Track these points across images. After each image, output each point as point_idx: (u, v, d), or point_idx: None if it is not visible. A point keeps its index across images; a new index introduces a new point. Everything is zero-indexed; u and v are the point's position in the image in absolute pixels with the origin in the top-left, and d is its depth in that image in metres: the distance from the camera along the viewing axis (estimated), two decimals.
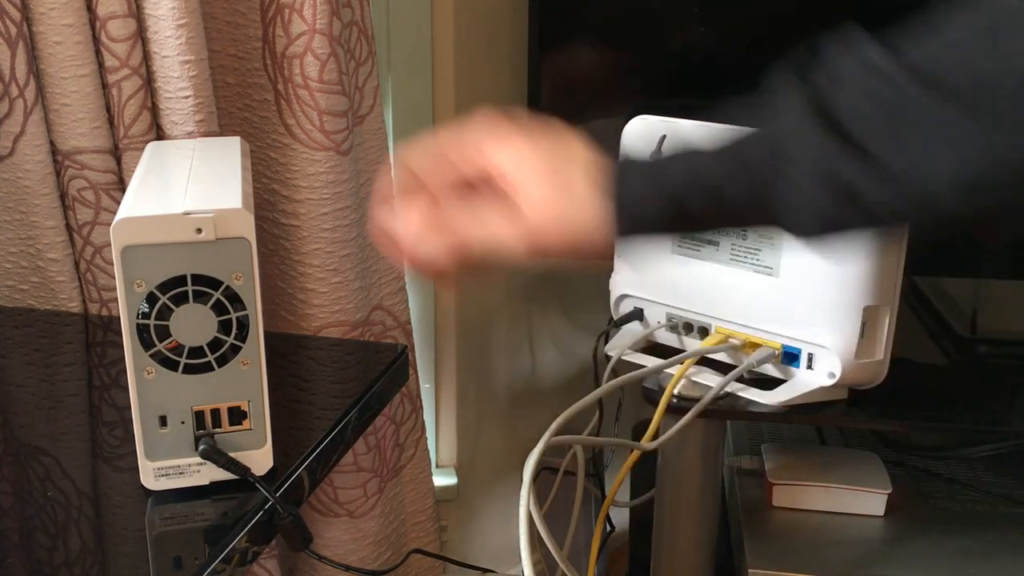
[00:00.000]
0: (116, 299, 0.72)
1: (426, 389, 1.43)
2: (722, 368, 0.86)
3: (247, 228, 0.60)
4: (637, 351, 0.91)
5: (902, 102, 0.50)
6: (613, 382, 0.85)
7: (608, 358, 0.92)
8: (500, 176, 0.61)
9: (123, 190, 0.97)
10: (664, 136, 0.86)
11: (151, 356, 0.61)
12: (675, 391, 0.84)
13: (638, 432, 0.97)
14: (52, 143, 0.93)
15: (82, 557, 0.61)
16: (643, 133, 0.88)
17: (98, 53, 0.93)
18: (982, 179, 0.49)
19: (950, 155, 0.49)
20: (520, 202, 0.60)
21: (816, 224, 0.54)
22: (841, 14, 1.06)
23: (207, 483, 0.65)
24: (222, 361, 0.62)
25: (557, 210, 0.60)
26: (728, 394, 0.84)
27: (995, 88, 0.48)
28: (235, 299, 0.61)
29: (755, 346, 0.84)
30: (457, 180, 0.63)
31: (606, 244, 0.60)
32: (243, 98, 1.05)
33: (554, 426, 0.77)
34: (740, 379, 0.84)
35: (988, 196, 0.50)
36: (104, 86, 0.94)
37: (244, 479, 0.64)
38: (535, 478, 0.71)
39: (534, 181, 0.60)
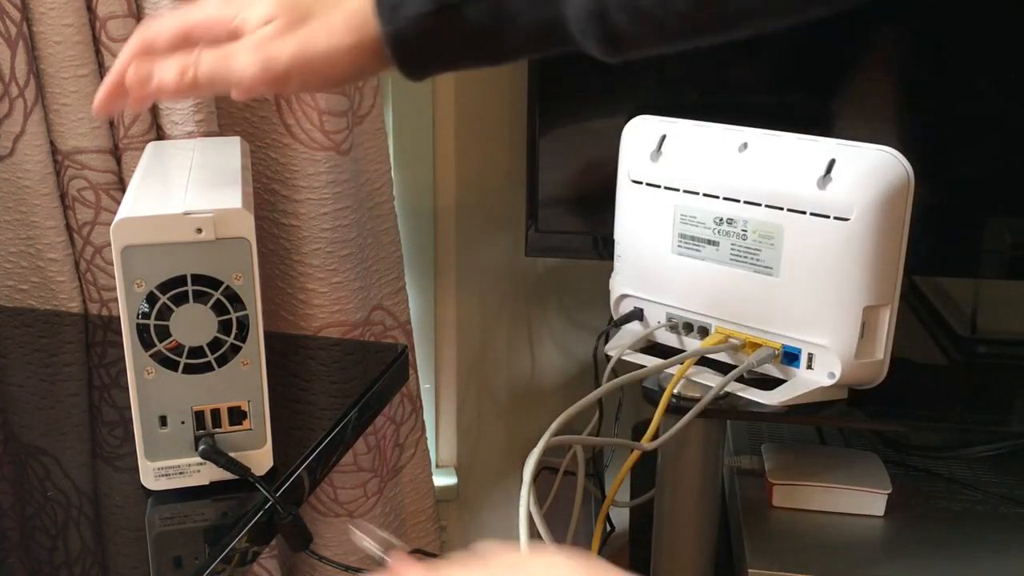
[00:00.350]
0: (116, 299, 0.72)
1: (426, 389, 1.43)
2: (722, 368, 0.86)
3: (247, 228, 0.60)
4: (637, 351, 0.91)
5: None
6: (613, 382, 0.85)
7: (608, 358, 0.92)
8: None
9: (123, 190, 0.97)
10: (664, 136, 0.86)
11: (151, 356, 0.61)
12: (675, 391, 0.84)
13: (638, 432, 0.97)
14: (52, 143, 0.93)
15: (82, 557, 0.61)
16: (643, 132, 0.88)
17: (98, 53, 0.93)
18: None
19: None
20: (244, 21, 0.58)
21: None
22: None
23: (207, 483, 0.65)
24: (222, 361, 0.62)
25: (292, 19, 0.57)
26: (728, 394, 0.84)
27: None
28: (235, 299, 0.61)
29: (755, 346, 0.84)
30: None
31: (366, 56, 0.58)
32: None
33: (554, 426, 0.77)
34: (740, 379, 0.84)
35: None
36: None
37: (244, 479, 0.64)
38: (535, 478, 0.71)
39: None
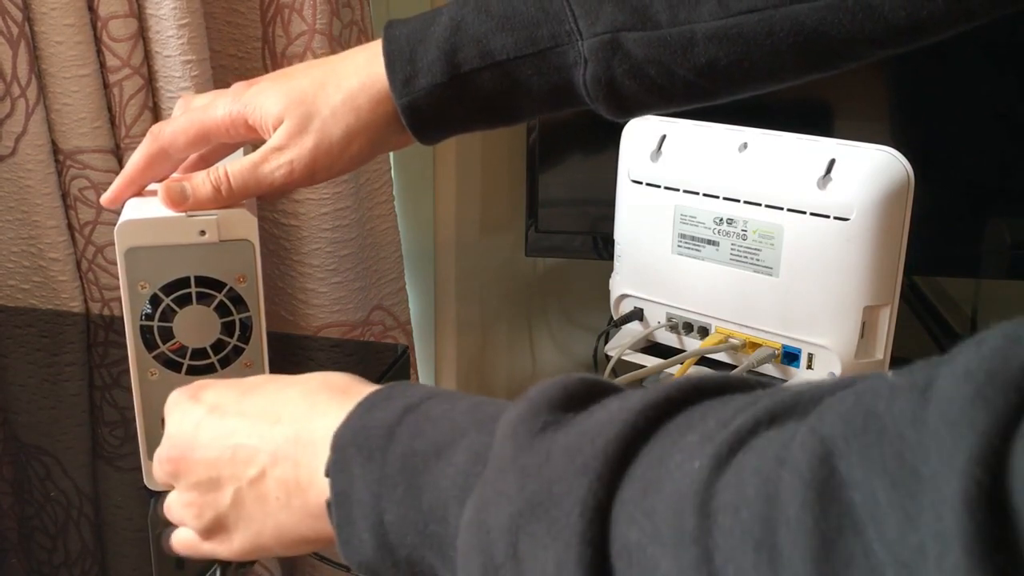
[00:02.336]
0: (118, 299, 0.72)
1: None
2: (722, 368, 0.86)
3: (250, 230, 0.60)
4: (637, 351, 0.91)
5: None
6: (614, 381, 0.85)
7: (608, 358, 0.92)
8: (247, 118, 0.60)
9: None
10: (664, 136, 0.86)
11: (154, 358, 0.61)
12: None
13: None
14: (54, 143, 0.93)
15: (82, 557, 0.61)
16: (643, 133, 0.88)
17: (99, 53, 0.93)
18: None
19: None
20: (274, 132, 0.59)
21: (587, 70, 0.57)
22: None
23: None
24: (225, 363, 0.63)
25: (312, 125, 0.58)
26: None
27: None
28: (238, 301, 0.61)
29: (755, 346, 0.85)
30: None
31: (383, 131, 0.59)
32: None
33: None
34: None
35: None
36: (105, 86, 0.94)
37: None
38: None
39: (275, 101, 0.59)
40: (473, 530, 0.34)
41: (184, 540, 0.49)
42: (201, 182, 0.59)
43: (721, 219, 0.83)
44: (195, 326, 0.61)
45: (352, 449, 0.40)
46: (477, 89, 0.58)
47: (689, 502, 0.29)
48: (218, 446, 0.46)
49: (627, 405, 0.33)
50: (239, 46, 1.03)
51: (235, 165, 0.59)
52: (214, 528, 0.47)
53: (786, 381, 0.84)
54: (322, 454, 0.41)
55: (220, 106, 0.60)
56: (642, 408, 0.32)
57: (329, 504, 0.41)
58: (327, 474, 0.41)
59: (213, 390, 0.49)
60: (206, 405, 0.48)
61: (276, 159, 0.59)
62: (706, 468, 0.29)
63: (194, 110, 0.62)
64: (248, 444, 0.45)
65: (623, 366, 0.89)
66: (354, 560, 0.42)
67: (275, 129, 0.59)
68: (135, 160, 0.63)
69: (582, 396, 0.35)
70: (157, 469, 0.49)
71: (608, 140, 0.90)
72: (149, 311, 0.60)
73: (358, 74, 0.59)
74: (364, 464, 0.39)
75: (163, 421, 0.60)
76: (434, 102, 0.58)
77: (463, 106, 0.59)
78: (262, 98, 0.59)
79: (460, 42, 0.57)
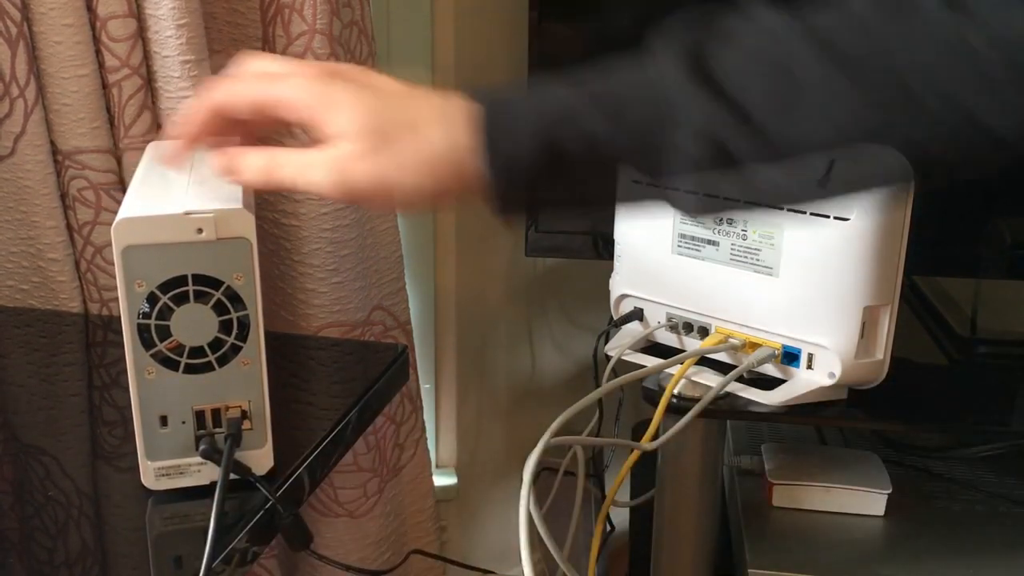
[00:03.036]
0: (116, 299, 0.72)
1: (426, 389, 1.43)
2: (722, 368, 0.86)
3: (248, 228, 0.60)
4: (637, 351, 0.91)
5: (793, 64, 0.50)
6: (613, 382, 0.85)
7: (608, 358, 0.92)
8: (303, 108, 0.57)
9: (123, 190, 0.97)
10: None
11: (152, 356, 0.61)
12: (675, 391, 0.84)
13: (638, 432, 0.98)
14: (52, 143, 0.93)
15: (82, 557, 0.61)
16: None
17: (98, 53, 0.93)
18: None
19: (829, 126, 0.50)
20: (328, 131, 0.56)
21: (688, 175, 0.55)
22: None
23: (207, 483, 0.65)
24: (223, 361, 0.62)
25: (378, 141, 0.55)
26: (728, 394, 0.84)
27: (889, 62, 0.48)
28: (236, 299, 0.61)
29: (755, 346, 0.84)
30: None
31: (459, 186, 0.56)
32: None
33: (554, 426, 0.77)
34: (740, 379, 0.84)
35: None
36: (104, 86, 0.94)
37: (244, 479, 0.64)
38: (535, 478, 0.71)
39: (344, 106, 0.56)
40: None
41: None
42: (253, 163, 0.59)
43: (721, 219, 0.83)
44: (192, 324, 0.61)
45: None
46: (576, 173, 0.55)
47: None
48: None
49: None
50: (239, 46, 1.03)
51: (291, 159, 0.57)
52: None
53: (786, 381, 0.84)
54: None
55: (294, 89, 0.57)
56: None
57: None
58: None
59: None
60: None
61: (328, 173, 0.56)
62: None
63: (266, 82, 0.59)
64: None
65: (623, 366, 0.89)
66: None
67: (339, 141, 0.55)
68: (194, 111, 0.61)
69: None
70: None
71: None
72: (146, 309, 0.60)
73: (448, 138, 0.55)
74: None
75: (161, 420, 0.60)
76: (527, 177, 0.55)
77: (552, 193, 0.57)
78: (340, 110, 0.55)
79: (564, 132, 0.54)
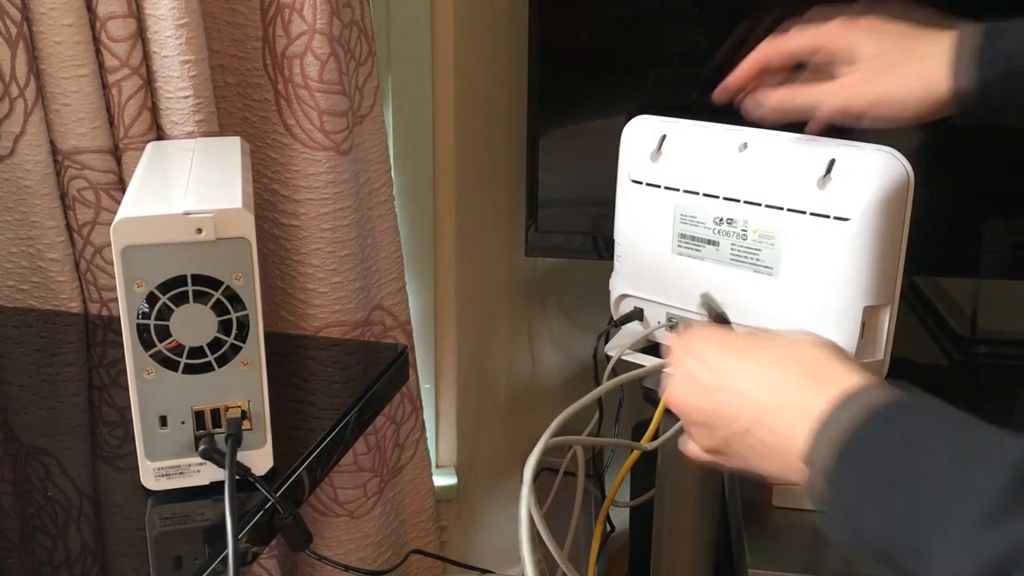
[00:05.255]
0: (116, 299, 0.72)
1: (426, 389, 1.43)
2: None
3: (247, 228, 0.60)
4: (637, 351, 0.91)
5: None
6: (612, 381, 0.85)
7: (608, 358, 0.92)
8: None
9: (123, 190, 0.97)
10: (664, 136, 0.86)
11: (151, 356, 0.61)
12: None
13: (638, 432, 0.98)
14: (52, 143, 0.93)
15: (82, 557, 0.61)
16: (643, 133, 0.88)
17: (98, 53, 0.93)
18: None
19: None
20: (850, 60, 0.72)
21: None
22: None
23: (207, 483, 0.65)
24: (222, 361, 0.62)
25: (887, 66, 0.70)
26: None
27: None
28: (235, 299, 0.61)
29: None
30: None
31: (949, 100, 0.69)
32: (243, 98, 1.05)
33: (553, 426, 0.77)
34: None
35: None
36: (104, 86, 0.94)
37: (244, 479, 0.64)
38: (536, 477, 0.71)
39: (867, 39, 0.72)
40: (954, 565, 0.41)
41: (692, 451, 0.63)
42: (775, 97, 0.75)
43: (721, 219, 0.83)
44: (192, 324, 0.61)
45: (826, 449, 0.49)
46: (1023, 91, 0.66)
47: None
48: (708, 400, 0.58)
49: None
50: (239, 46, 1.03)
51: (805, 89, 0.74)
52: (712, 451, 0.61)
53: None
54: (797, 427, 0.51)
55: (826, 33, 0.73)
56: None
57: (812, 488, 0.50)
58: (806, 462, 0.50)
59: (703, 343, 0.61)
60: (698, 358, 0.60)
61: (835, 97, 0.72)
62: None
63: (802, 32, 0.75)
64: (734, 405, 0.56)
65: (623, 366, 0.89)
66: (832, 533, 0.50)
67: (852, 71, 0.71)
68: (748, 63, 0.78)
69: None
70: (670, 398, 0.63)
71: (608, 140, 0.90)
72: (146, 309, 0.60)
73: (937, 58, 0.68)
74: (842, 470, 0.48)
75: (161, 420, 0.60)
76: (984, 92, 0.67)
77: (1006, 103, 0.67)
78: (858, 45, 0.71)
79: (1022, 48, 0.66)
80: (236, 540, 0.59)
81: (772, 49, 0.77)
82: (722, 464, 0.61)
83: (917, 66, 0.69)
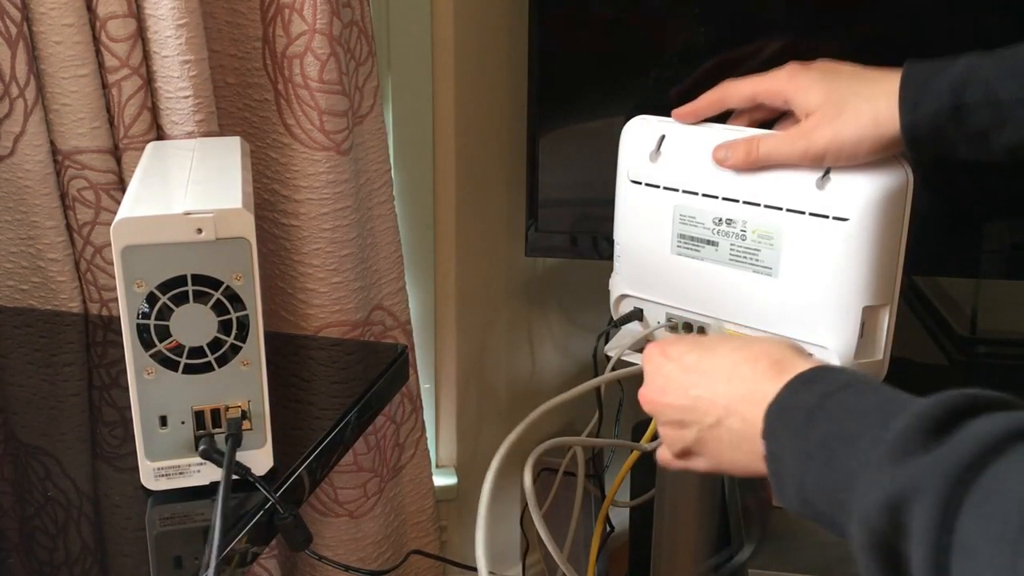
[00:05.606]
0: (116, 299, 0.73)
1: (426, 389, 1.43)
2: None
3: (247, 228, 0.60)
4: (637, 351, 0.91)
5: None
6: (611, 374, 0.85)
7: (608, 358, 0.92)
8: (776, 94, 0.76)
9: (123, 190, 0.97)
10: (663, 136, 0.86)
11: (151, 356, 0.61)
12: None
13: (638, 432, 0.98)
14: (52, 143, 0.93)
15: (82, 557, 0.61)
16: (642, 133, 0.88)
17: (98, 53, 0.93)
18: None
19: None
20: (796, 109, 0.74)
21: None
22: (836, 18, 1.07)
23: (207, 483, 0.65)
24: (222, 361, 0.63)
25: (832, 114, 0.72)
26: None
27: None
28: (235, 299, 0.61)
29: None
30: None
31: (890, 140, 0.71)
32: (243, 98, 1.05)
33: (540, 411, 0.78)
34: None
35: None
36: (104, 86, 0.94)
37: (244, 479, 0.64)
38: (536, 477, 0.72)
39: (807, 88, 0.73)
40: (863, 504, 0.46)
41: (664, 457, 0.67)
42: (739, 148, 0.77)
43: (720, 219, 0.83)
44: (192, 324, 0.61)
45: (780, 422, 0.54)
46: (973, 122, 0.68)
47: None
48: (683, 396, 0.62)
49: (984, 431, 0.42)
50: (239, 46, 1.03)
51: (766, 139, 0.76)
52: (683, 454, 0.64)
53: None
54: (761, 411, 0.55)
55: (775, 79, 0.76)
56: (996, 436, 0.42)
57: (765, 460, 0.54)
58: (763, 438, 0.54)
59: (679, 346, 0.65)
60: (674, 361, 0.64)
61: (799, 141, 0.73)
62: None
63: (757, 77, 0.78)
64: (706, 397, 0.60)
65: (623, 366, 0.89)
66: (785, 503, 0.54)
67: (806, 117, 0.73)
68: (705, 100, 0.81)
69: (959, 414, 0.44)
70: (642, 398, 0.66)
71: (608, 140, 0.90)
72: (146, 309, 0.60)
73: (887, 96, 0.70)
74: (791, 437, 0.52)
75: (161, 420, 0.60)
76: (933, 125, 0.69)
77: (956, 135, 0.69)
78: (808, 92, 0.73)
79: (970, 80, 0.67)
80: (223, 539, 0.59)
81: (728, 92, 0.79)
82: (694, 467, 0.65)
83: (866, 106, 0.71)
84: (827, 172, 0.77)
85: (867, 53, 0.79)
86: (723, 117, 0.83)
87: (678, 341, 0.67)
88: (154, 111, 0.96)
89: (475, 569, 0.72)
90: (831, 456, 0.50)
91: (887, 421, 0.47)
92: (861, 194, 0.76)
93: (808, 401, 0.53)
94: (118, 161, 0.96)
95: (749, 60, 0.88)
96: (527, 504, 0.73)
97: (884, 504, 0.44)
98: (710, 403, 0.60)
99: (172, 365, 0.62)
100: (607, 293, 0.95)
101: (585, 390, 0.84)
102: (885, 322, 0.80)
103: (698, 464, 0.64)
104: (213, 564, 0.56)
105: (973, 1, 1.02)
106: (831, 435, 0.50)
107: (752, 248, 0.82)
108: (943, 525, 0.41)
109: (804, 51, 0.96)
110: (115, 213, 0.61)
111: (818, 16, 1.08)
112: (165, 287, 0.60)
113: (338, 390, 0.82)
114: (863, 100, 0.71)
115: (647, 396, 0.66)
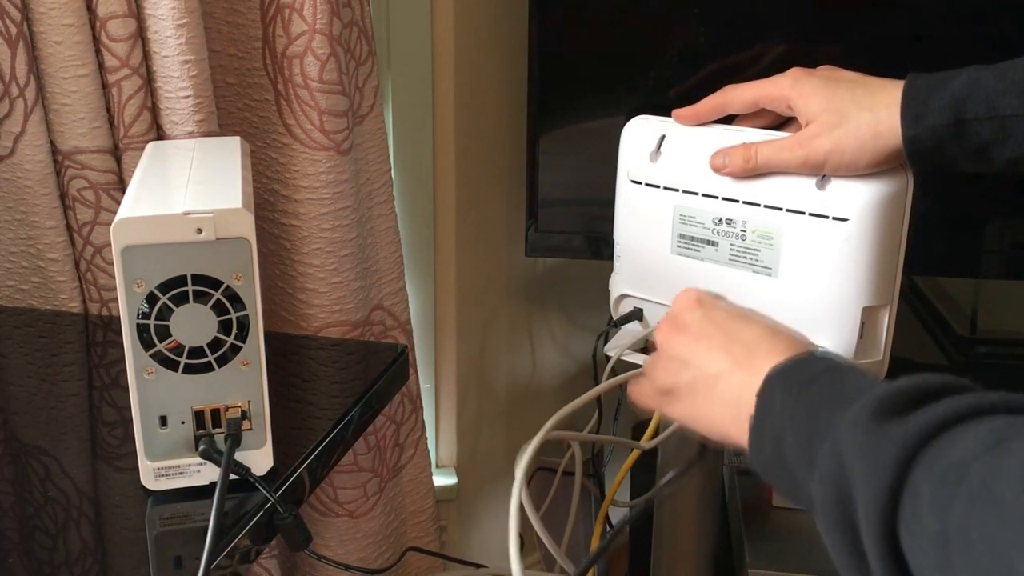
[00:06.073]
0: (116, 299, 0.73)
1: (426, 389, 1.43)
2: None
3: (247, 228, 0.60)
4: (637, 351, 0.91)
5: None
6: (612, 380, 0.85)
7: (608, 358, 0.92)
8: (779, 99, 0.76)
9: (123, 190, 0.97)
10: (663, 136, 0.86)
11: (151, 356, 0.61)
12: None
13: (638, 432, 0.97)
14: (52, 143, 0.93)
15: (82, 557, 0.61)
16: (642, 133, 0.88)
17: (98, 53, 0.93)
18: None
19: None
20: (798, 115, 0.74)
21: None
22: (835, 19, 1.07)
23: (207, 483, 0.65)
24: (222, 361, 0.63)
25: (834, 121, 0.72)
26: None
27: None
28: (235, 299, 0.61)
29: None
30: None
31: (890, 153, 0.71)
32: (243, 98, 1.05)
33: (550, 424, 0.78)
34: None
35: None
36: (104, 86, 0.94)
37: (244, 479, 0.64)
38: (531, 476, 0.72)
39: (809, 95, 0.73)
40: (825, 465, 0.49)
41: (640, 391, 0.69)
42: (737, 154, 0.77)
43: (720, 219, 0.83)
44: (192, 324, 0.61)
45: (778, 383, 0.56)
46: (974, 136, 0.68)
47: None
48: (699, 339, 0.63)
49: (936, 414, 0.45)
50: (239, 46, 1.03)
51: (765, 145, 0.76)
52: (665, 393, 0.65)
53: None
54: (759, 381, 0.57)
55: (778, 85, 0.76)
56: (959, 412, 0.45)
57: (751, 417, 0.56)
58: (757, 396, 0.56)
59: (715, 302, 0.67)
60: (705, 310, 0.66)
61: (798, 149, 0.74)
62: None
63: (759, 82, 0.78)
64: (720, 349, 0.62)
65: (623, 366, 0.89)
66: (755, 461, 0.56)
67: (807, 125, 0.74)
68: (706, 104, 0.81)
69: (918, 398, 0.47)
70: (659, 328, 0.68)
71: (608, 140, 0.90)
72: (146, 309, 0.60)
73: (888, 107, 0.70)
74: (784, 398, 0.55)
75: (161, 420, 0.60)
76: (934, 139, 0.69)
77: (957, 148, 0.69)
78: (810, 98, 0.74)
79: (971, 95, 0.68)
80: (219, 538, 0.59)
81: (730, 97, 0.80)
82: (666, 410, 0.66)
83: (867, 116, 0.71)
84: (825, 175, 0.77)
85: (867, 54, 0.79)
86: (722, 119, 0.83)
87: (716, 298, 0.68)
88: (154, 111, 0.96)
89: (473, 565, 0.72)
90: (816, 417, 0.52)
91: (872, 392, 0.49)
92: (861, 194, 0.76)
93: (811, 371, 0.56)
94: (118, 161, 0.96)
95: (749, 66, 0.88)
96: (529, 505, 0.73)
97: (844, 463, 0.47)
98: (721, 355, 0.62)
99: (172, 365, 0.62)
100: (607, 293, 0.95)
101: (593, 396, 0.84)
102: (885, 322, 0.80)
103: (673, 408, 0.65)
104: (204, 560, 0.56)
105: (974, 8, 1.02)
106: (822, 400, 0.52)
107: (752, 248, 0.82)
108: (895, 476, 0.44)
109: (803, 56, 0.96)
110: (115, 213, 0.61)
111: (818, 17, 1.08)
112: (165, 287, 0.60)
113: (338, 390, 0.82)
114: (864, 109, 0.72)
115: (665, 327, 0.67)
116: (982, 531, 0.39)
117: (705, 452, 0.69)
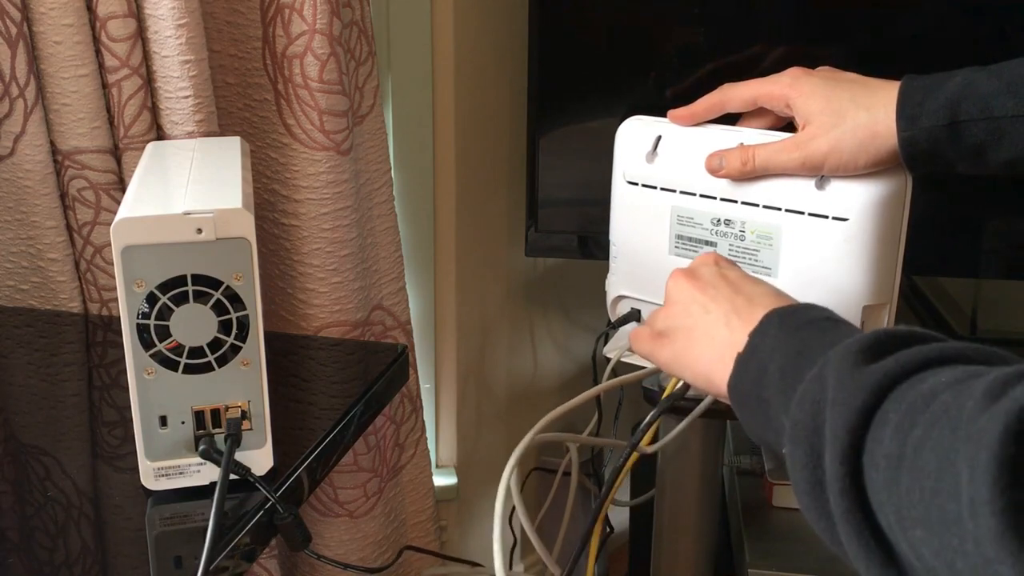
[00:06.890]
0: (116, 299, 0.73)
1: (426, 389, 1.43)
2: None
3: (247, 228, 0.60)
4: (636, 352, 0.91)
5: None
6: (612, 381, 0.85)
7: (607, 359, 0.92)
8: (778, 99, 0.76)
9: (123, 190, 0.97)
10: (660, 136, 0.86)
11: (151, 356, 0.61)
12: (674, 391, 0.84)
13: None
14: (52, 143, 0.93)
15: (82, 557, 0.61)
16: (638, 133, 0.88)
17: (98, 53, 0.93)
18: None
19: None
20: (796, 116, 0.75)
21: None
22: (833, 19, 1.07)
23: (207, 483, 0.65)
24: (222, 361, 0.63)
25: (831, 120, 0.72)
26: None
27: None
28: (235, 299, 0.61)
29: None
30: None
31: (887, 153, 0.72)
32: (243, 98, 1.05)
33: (538, 426, 0.78)
34: None
35: None
36: (104, 86, 0.94)
37: (244, 479, 0.64)
38: (527, 477, 0.72)
39: (808, 96, 0.74)
40: (808, 389, 0.51)
41: (638, 333, 0.70)
42: (734, 156, 0.78)
43: (719, 220, 0.83)
44: (192, 324, 0.61)
45: (773, 323, 0.58)
46: (970, 138, 0.69)
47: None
48: (708, 289, 0.65)
49: (921, 353, 0.47)
50: (239, 46, 1.03)
51: (762, 148, 0.76)
52: (660, 334, 0.67)
53: None
54: (754, 326, 0.59)
55: (777, 84, 0.76)
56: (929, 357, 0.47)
57: (740, 353, 0.58)
58: (750, 335, 0.58)
59: (732, 265, 0.69)
60: (721, 268, 0.67)
61: (793, 152, 0.74)
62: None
63: (758, 81, 0.78)
64: (724, 300, 0.63)
65: (623, 367, 0.89)
66: (732, 389, 0.59)
67: (804, 127, 0.74)
68: (703, 103, 0.81)
69: (909, 341, 0.49)
70: (672, 275, 0.69)
71: (608, 140, 0.90)
72: (146, 309, 0.60)
73: (886, 107, 0.71)
74: (775, 335, 0.57)
75: (161, 420, 0.60)
76: (930, 140, 0.69)
77: (953, 150, 0.70)
78: (809, 98, 0.74)
79: (966, 96, 0.68)
80: (218, 538, 0.59)
81: (728, 95, 0.80)
82: (657, 352, 0.68)
83: (865, 115, 0.72)
84: (823, 176, 0.77)
85: (867, 54, 0.79)
86: (721, 119, 0.83)
87: (735, 264, 0.71)
88: (154, 111, 0.96)
89: (471, 563, 0.72)
90: (808, 348, 0.54)
91: (867, 334, 0.51)
92: (860, 194, 0.76)
93: (809, 316, 0.58)
94: (118, 161, 0.96)
95: (749, 67, 0.88)
96: (519, 504, 0.73)
97: (826, 388, 0.49)
98: (724, 303, 0.63)
99: (172, 365, 0.62)
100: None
101: (591, 396, 0.84)
102: (885, 322, 0.80)
103: (662, 351, 0.67)
104: (204, 560, 0.56)
105: (974, 9, 1.02)
106: (816, 339, 0.54)
107: (751, 248, 0.82)
108: (868, 404, 0.46)
109: (803, 56, 0.97)
110: (115, 213, 0.61)
111: (818, 17, 1.08)
112: (165, 287, 0.60)
113: (338, 390, 0.82)
114: (862, 109, 0.72)
115: (678, 274, 0.68)
116: (935, 446, 0.41)
117: (688, 387, 0.69)
